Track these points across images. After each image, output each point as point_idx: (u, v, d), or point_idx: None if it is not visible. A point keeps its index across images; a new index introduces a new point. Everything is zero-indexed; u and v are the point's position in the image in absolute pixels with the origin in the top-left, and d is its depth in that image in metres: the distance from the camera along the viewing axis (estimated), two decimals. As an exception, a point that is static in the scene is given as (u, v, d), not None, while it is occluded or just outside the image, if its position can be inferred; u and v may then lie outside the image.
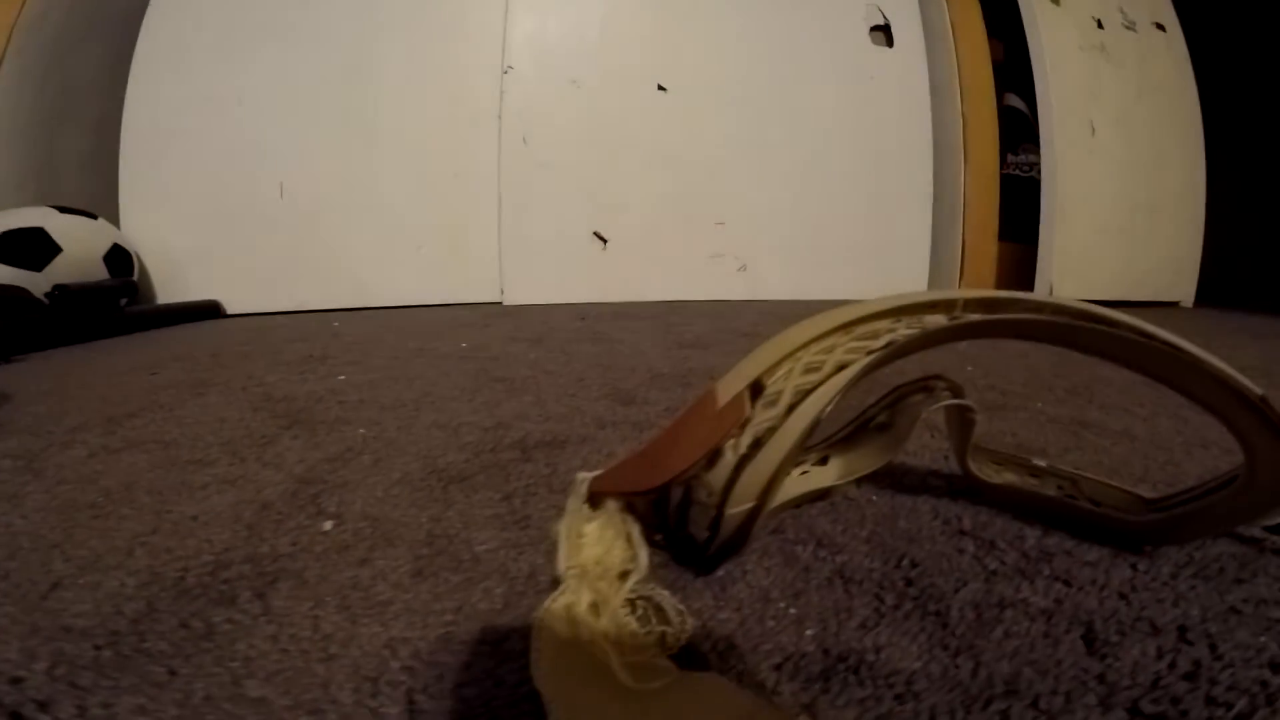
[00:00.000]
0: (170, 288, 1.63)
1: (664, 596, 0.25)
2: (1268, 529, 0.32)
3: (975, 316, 0.24)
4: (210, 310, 1.58)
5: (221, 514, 0.37)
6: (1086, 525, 0.34)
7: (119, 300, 1.41)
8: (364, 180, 1.65)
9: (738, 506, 0.23)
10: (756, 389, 0.23)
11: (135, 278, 1.52)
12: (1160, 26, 2.00)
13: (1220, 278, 1.98)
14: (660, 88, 1.77)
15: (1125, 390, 0.71)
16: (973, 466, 0.37)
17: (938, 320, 0.24)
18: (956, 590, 0.28)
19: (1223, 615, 0.27)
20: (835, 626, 0.26)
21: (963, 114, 1.89)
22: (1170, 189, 1.85)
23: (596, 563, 0.22)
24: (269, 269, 1.63)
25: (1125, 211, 1.79)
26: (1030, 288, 1.74)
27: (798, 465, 0.37)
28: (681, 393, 0.65)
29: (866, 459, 0.38)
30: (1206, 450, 0.49)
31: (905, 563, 0.31)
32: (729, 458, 0.22)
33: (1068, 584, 0.29)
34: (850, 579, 0.29)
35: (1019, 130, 1.93)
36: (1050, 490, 0.36)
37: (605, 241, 1.73)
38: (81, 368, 0.93)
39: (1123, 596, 0.28)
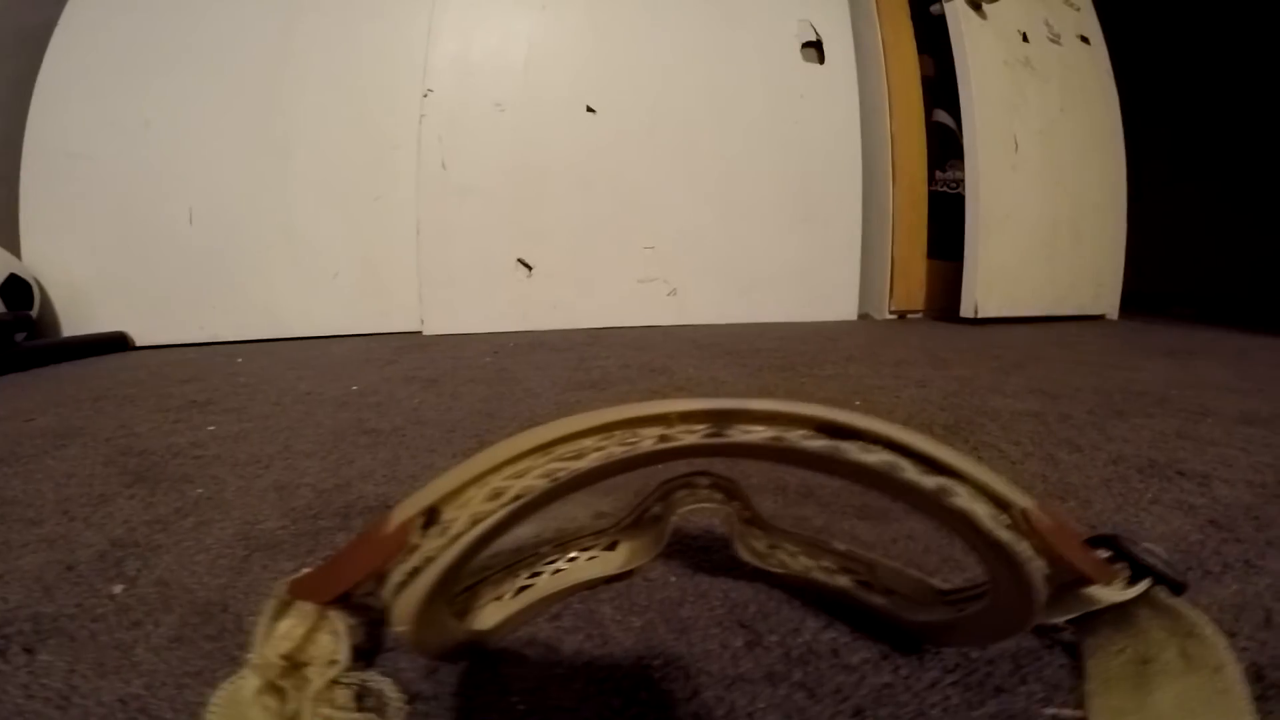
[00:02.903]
0: (76, 318, 1.64)
1: (385, 684, 0.27)
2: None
3: (695, 432, 0.23)
4: (116, 343, 1.59)
5: (26, 573, 0.42)
6: (873, 619, 0.34)
7: (12, 335, 1.42)
8: (277, 206, 1.68)
9: (399, 627, 0.24)
10: (432, 515, 0.23)
11: (34, 311, 1.53)
12: (1085, 39, 2.12)
13: (1152, 288, 2.11)
14: (589, 109, 1.84)
15: (1008, 426, 0.76)
16: (757, 549, 0.38)
17: (652, 435, 0.23)
18: (690, 698, 0.29)
19: (954, 740, 0.26)
20: (547, 732, 0.28)
21: (892, 131, 1.99)
22: (1092, 203, 1.97)
23: (285, 656, 0.25)
24: (179, 299, 1.65)
25: (1048, 226, 1.90)
26: (958, 304, 1.84)
27: (585, 550, 0.40)
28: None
29: (645, 548, 0.40)
30: (1065, 502, 0.53)
31: (658, 661, 0.32)
32: (394, 579, 0.23)
33: (810, 695, 0.29)
34: (593, 677, 0.31)
35: (947, 146, 2.03)
36: (842, 580, 0.36)
37: (530, 268, 1.79)
38: (-43, 414, 0.95)
39: (858, 713, 0.28)
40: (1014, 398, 0.91)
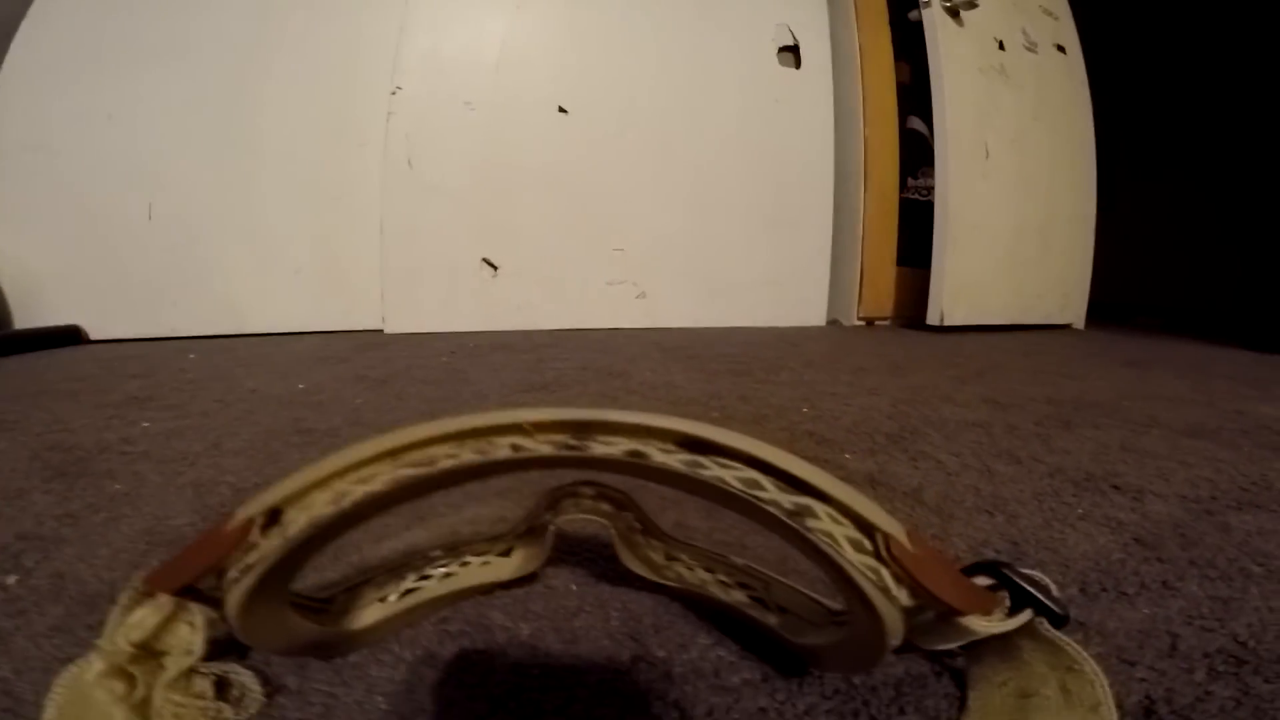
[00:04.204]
0: (30, 311, 1.63)
1: (246, 676, 0.29)
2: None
3: (553, 443, 0.22)
4: (69, 336, 1.59)
5: (-76, 564, 0.43)
6: (763, 637, 0.34)
7: (-39, 329, 1.42)
8: (239, 201, 1.68)
9: (230, 621, 0.25)
10: (274, 515, 0.24)
11: (-15, 304, 1.53)
12: (1061, 49, 2.16)
13: (1119, 298, 2.15)
14: (561, 109, 1.85)
15: (951, 436, 0.76)
16: (654, 560, 0.39)
17: (506, 444, 0.23)
18: (558, 710, 0.30)
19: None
20: (404, 735, 0.28)
21: (865, 137, 2.02)
22: (1061, 212, 2.01)
23: (138, 644, 0.25)
24: (136, 293, 1.65)
25: (1017, 235, 1.93)
26: (926, 312, 1.87)
27: (480, 555, 0.40)
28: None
29: (536, 555, 0.40)
30: (993, 516, 0.52)
31: (536, 670, 0.32)
32: (229, 575, 0.24)
33: (683, 715, 0.29)
34: (463, 682, 0.31)
35: (919, 153, 2.06)
36: (738, 595, 0.36)
37: (495, 268, 1.80)
38: (-106, 408, 0.95)
39: (727, 737, 0.28)
40: (964, 407, 0.93)
